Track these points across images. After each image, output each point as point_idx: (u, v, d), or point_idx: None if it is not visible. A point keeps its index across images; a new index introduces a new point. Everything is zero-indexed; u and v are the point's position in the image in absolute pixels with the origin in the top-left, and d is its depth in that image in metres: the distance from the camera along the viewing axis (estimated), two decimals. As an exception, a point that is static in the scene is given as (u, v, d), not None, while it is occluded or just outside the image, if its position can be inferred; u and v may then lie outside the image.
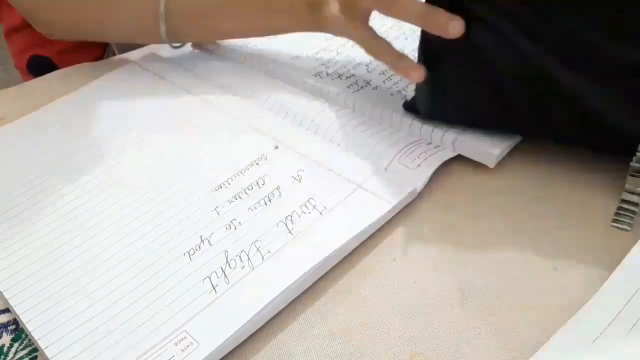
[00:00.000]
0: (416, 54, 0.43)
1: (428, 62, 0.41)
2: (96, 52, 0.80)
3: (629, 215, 0.35)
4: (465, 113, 0.43)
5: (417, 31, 0.54)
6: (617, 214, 0.36)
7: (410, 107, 0.45)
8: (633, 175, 0.37)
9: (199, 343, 0.34)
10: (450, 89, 0.41)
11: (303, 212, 0.42)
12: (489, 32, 0.37)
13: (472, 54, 0.38)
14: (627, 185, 0.37)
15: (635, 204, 0.35)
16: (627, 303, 0.33)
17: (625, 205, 0.37)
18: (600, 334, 0.32)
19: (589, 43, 0.34)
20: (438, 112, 0.43)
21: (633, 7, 0.32)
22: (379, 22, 0.60)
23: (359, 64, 0.55)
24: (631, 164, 0.37)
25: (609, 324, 0.33)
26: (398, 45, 0.48)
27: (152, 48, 0.65)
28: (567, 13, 0.34)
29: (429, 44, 0.40)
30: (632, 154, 0.37)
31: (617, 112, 0.36)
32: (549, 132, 0.41)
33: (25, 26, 0.76)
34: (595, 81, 0.36)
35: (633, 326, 0.32)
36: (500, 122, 0.42)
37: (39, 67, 0.78)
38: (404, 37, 0.57)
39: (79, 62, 0.66)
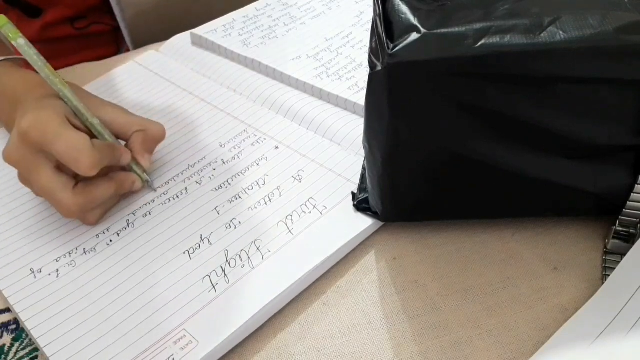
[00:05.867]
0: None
1: (388, 166, 0.37)
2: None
3: (613, 268, 0.36)
4: (432, 210, 0.40)
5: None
6: (604, 268, 0.37)
7: (364, 209, 0.41)
8: (615, 238, 0.38)
9: (198, 342, 0.34)
10: (412, 190, 0.38)
11: (303, 212, 0.42)
12: (451, 126, 0.35)
13: (435, 154, 0.36)
14: (609, 247, 0.38)
15: (617, 262, 0.36)
16: (627, 303, 0.33)
17: (609, 259, 0.38)
18: (600, 334, 0.32)
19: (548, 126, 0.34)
20: (399, 213, 0.40)
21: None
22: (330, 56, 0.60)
23: (359, 65, 0.55)
24: (614, 227, 0.37)
25: (609, 324, 0.33)
26: (351, 74, 0.52)
27: (152, 47, 0.65)
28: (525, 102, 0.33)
29: (393, 149, 0.36)
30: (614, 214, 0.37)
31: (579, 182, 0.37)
32: (520, 212, 0.40)
33: (38, 40, 0.75)
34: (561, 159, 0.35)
35: (633, 326, 0.32)
36: (470, 214, 0.40)
37: None
38: (356, 64, 0.56)
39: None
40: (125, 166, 0.44)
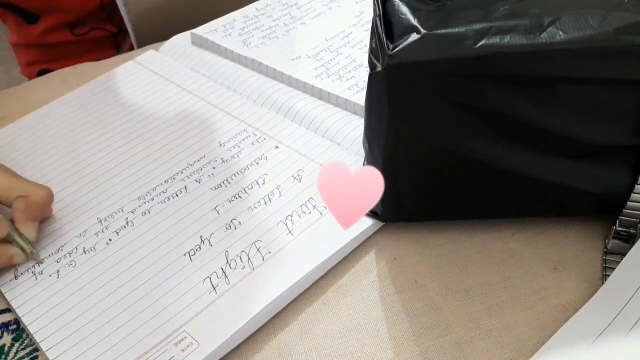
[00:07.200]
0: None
1: (388, 166, 0.37)
2: None
3: (613, 268, 0.36)
4: (432, 210, 0.40)
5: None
6: (604, 268, 0.37)
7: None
8: (615, 238, 0.37)
9: (199, 343, 0.34)
10: (412, 190, 0.38)
11: (303, 212, 0.42)
12: (451, 126, 0.35)
13: (435, 154, 0.36)
14: (609, 247, 0.38)
15: (617, 262, 0.36)
16: (627, 303, 0.33)
17: (609, 259, 0.38)
18: (600, 334, 0.32)
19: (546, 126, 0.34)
20: (399, 213, 0.40)
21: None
22: (330, 56, 0.59)
23: (359, 65, 0.55)
24: (614, 227, 0.37)
25: (609, 324, 0.33)
26: (351, 74, 0.52)
27: (153, 47, 0.65)
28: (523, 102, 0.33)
29: (392, 149, 0.36)
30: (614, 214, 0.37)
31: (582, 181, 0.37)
32: (520, 212, 0.40)
33: (37, 45, 0.75)
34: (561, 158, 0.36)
35: (633, 326, 0.32)
36: (470, 213, 0.40)
37: None
38: (356, 64, 0.56)
39: None
40: (6, 237, 0.40)
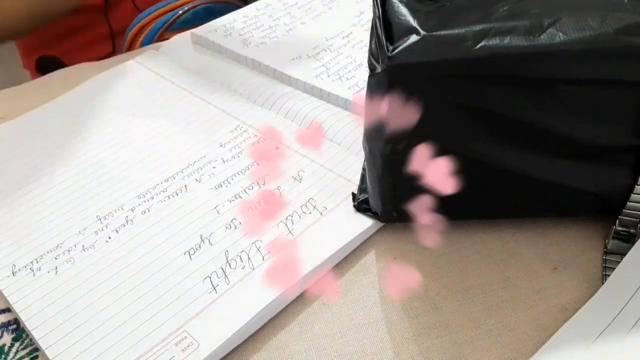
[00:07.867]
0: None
1: (387, 166, 0.37)
2: (105, 49, 0.79)
3: (613, 268, 0.36)
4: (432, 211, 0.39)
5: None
6: (604, 268, 0.37)
7: (364, 209, 0.41)
8: (615, 238, 0.37)
9: (199, 343, 0.34)
10: (412, 190, 0.37)
11: (303, 212, 0.42)
12: (451, 127, 0.35)
13: (435, 154, 0.35)
14: (609, 247, 0.38)
15: (617, 262, 0.36)
16: (627, 303, 0.34)
17: (609, 259, 0.38)
18: (600, 334, 0.32)
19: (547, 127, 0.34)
20: (400, 214, 0.39)
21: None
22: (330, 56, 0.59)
23: (359, 65, 0.55)
24: (614, 227, 0.37)
25: (609, 324, 0.33)
26: (351, 74, 0.52)
27: (153, 47, 0.65)
28: (524, 104, 0.33)
29: (391, 147, 0.36)
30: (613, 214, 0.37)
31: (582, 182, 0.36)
32: (520, 212, 0.40)
33: None
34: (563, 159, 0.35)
35: (633, 326, 0.32)
36: (470, 213, 0.40)
37: (47, 66, 0.78)
38: (356, 64, 0.56)
39: (88, 60, 0.66)
40: None
